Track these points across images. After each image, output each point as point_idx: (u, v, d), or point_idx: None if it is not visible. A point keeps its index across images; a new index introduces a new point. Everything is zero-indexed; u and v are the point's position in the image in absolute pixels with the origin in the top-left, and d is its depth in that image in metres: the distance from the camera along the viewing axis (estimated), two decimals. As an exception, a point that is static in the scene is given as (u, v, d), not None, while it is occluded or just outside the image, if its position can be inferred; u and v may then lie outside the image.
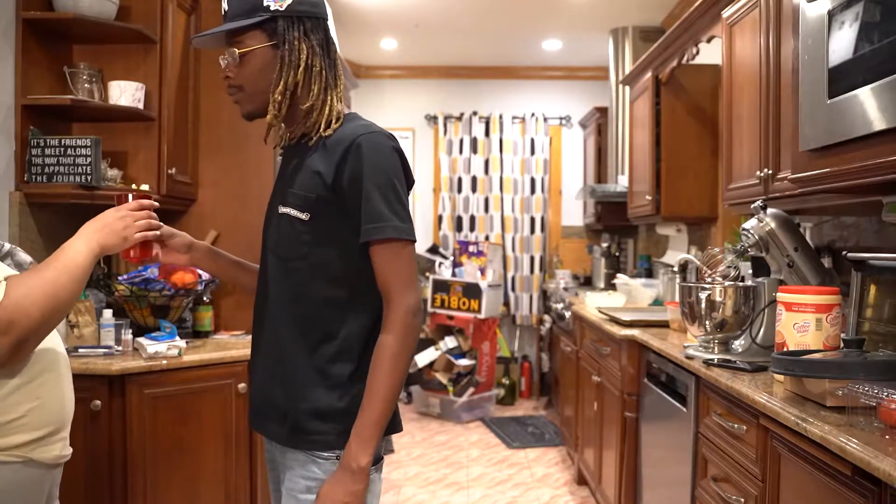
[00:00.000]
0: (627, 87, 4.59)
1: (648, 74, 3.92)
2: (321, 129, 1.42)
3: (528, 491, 3.88)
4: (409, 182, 1.44)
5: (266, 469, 1.58)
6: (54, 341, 1.60)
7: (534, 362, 6.12)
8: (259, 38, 1.40)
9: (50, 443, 1.53)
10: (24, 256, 1.84)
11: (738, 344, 2.30)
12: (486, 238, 6.12)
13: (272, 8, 1.38)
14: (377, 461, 1.41)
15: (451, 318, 5.49)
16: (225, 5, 1.42)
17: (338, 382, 1.39)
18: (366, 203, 1.35)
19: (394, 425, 1.47)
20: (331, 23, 4.37)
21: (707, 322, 2.29)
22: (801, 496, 1.57)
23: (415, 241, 1.40)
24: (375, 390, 1.34)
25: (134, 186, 2.72)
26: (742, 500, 1.87)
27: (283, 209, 1.42)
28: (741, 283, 2.29)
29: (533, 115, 6.14)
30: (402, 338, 1.35)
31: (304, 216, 1.39)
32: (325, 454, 1.39)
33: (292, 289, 1.42)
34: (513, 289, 6.13)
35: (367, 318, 1.42)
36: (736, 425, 1.91)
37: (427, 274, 5.88)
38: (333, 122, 1.43)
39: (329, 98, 1.44)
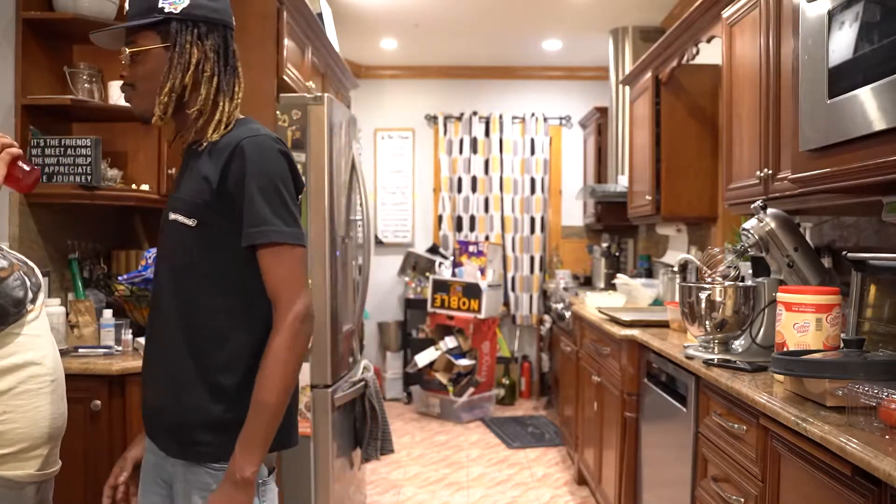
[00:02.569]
0: (627, 87, 4.59)
1: (648, 74, 3.92)
2: (209, 134, 1.41)
3: (528, 491, 3.88)
4: (299, 186, 1.42)
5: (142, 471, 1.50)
6: (40, 354, 1.53)
7: (534, 362, 6.12)
8: (152, 39, 1.40)
9: (19, 460, 1.46)
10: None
11: (738, 344, 2.30)
12: (486, 238, 6.11)
13: (166, 10, 1.39)
14: (270, 472, 1.40)
15: (451, 318, 5.49)
16: (127, 5, 1.43)
17: (226, 393, 1.36)
18: (248, 206, 1.33)
19: (287, 438, 1.43)
20: (329, 22, 4.33)
21: (707, 322, 2.29)
22: (801, 496, 1.57)
23: (304, 245, 1.38)
24: (261, 398, 1.30)
25: (134, 186, 2.72)
26: (742, 500, 1.87)
27: (172, 216, 1.41)
28: (741, 283, 2.29)
29: (533, 115, 6.14)
30: (290, 344, 1.31)
31: (191, 222, 1.37)
32: (217, 466, 1.36)
33: (181, 297, 1.39)
34: (513, 289, 6.13)
35: (258, 327, 1.39)
36: (736, 425, 1.91)
37: (427, 274, 5.88)
38: (223, 127, 1.42)
39: (220, 104, 1.43)
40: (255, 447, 1.30)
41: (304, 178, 1.45)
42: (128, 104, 1.46)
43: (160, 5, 1.39)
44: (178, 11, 1.39)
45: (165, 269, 1.43)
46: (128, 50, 1.40)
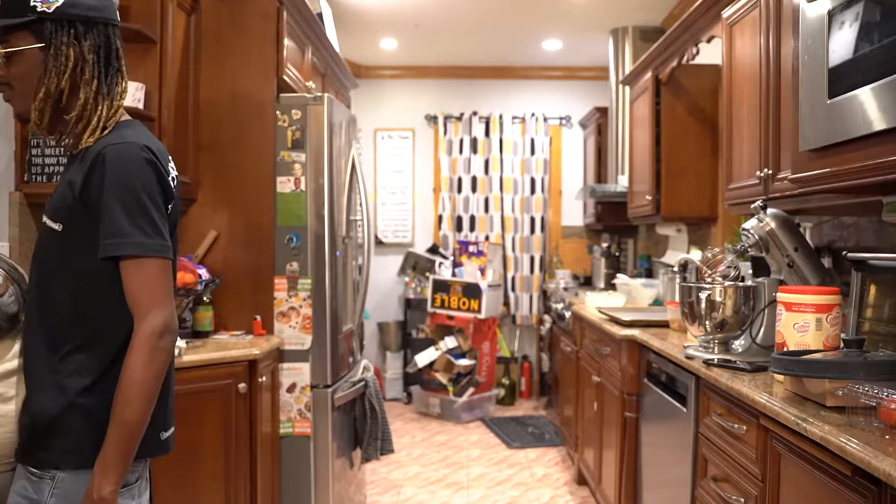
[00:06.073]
0: (627, 87, 4.59)
1: (648, 74, 3.92)
2: (85, 139, 1.35)
3: (528, 491, 3.88)
4: (168, 196, 1.37)
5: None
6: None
7: (534, 362, 6.12)
8: (27, 40, 1.33)
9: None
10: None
11: (738, 344, 2.30)
12: (486, 238, 6.11)
13: (39, 9, 1.31)
14: (127, 485, 1.35)
15: (451, 318, 5.49)
16: None
17: (69, 398, 1.31)
18: (105, 216, 1.28)
19: (155, 445, 1.39)
20: (329, 22, 4.31)
21: (707, 322, 2.29)
22: (801, 496, 1.57)
23: (166, 257, 1.32)
24: (117, 416, 1.26)
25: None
26: (742, 500, 1.87)
27: (43, 218, 1.38)
28: (741, 283, 2.29)
29: (533, 115, 6.14)
30: (146, 362, 1.27)
31: (57, 227, 1.34)
32: (39, 472, 1.30)
33: (42, 301, 1.36)
34: (513, 289, 6.13)
35: (117, 336, 1.34)
36: (736, 425, 1.91)
37: (427, 274, 5.88)
38: (98, 132, 1.36)
39: (99, 107, 1.37)
40: (113, 466, 1.26)
41: (174, 189, 1.41)
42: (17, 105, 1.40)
43: (32, 3, 1.31)
44: (51, 11, 1.31)
45: (33, 272, 1.40)
46: (2, 51, 1.34)
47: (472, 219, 6.15)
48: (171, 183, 1.39)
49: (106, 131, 1.36)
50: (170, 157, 1.45)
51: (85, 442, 1.31)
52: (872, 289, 1.95)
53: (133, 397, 1.26)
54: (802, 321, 1.87)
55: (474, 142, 6.14)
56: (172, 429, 1.48)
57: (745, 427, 1.87)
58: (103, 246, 1.29)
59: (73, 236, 1.33)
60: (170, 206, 1.38)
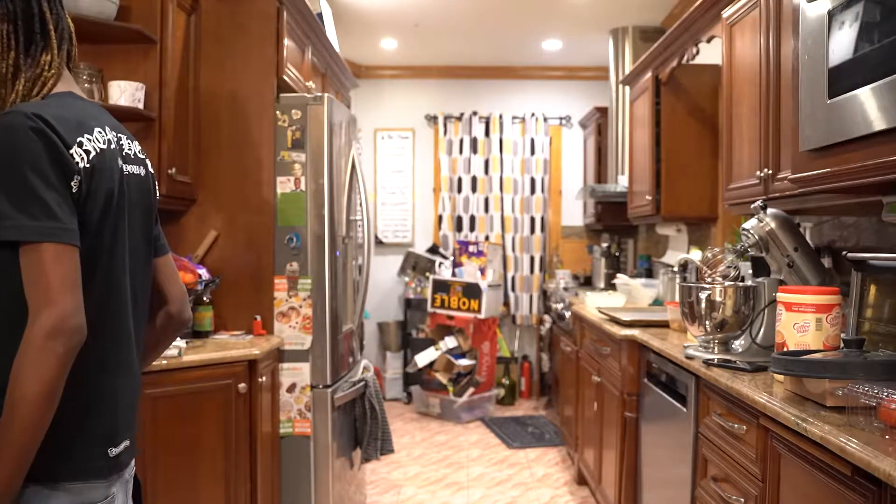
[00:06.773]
0: (627, 87, 4.59)
1: (648, 74, 3.92)
2: None
3: (528, 491, 3.88)
4: (68, 171, 1.15)
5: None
6: None
7: (534, 362, 6.12)
8: None
9: None
10: None
11: (738, 344, 2.30)
12: (486, 238, 6.11)
13: None
14: None
15: (451, 318, 5.49)
16: None
17: None
18: None
19: (98, 467, 1.21)
20: (329, 22, 4.31)
21: (707, 322, 2.29)
22: (801, 496, 1.57)
23: (65, 242, 1.13)
24: (2, 426, 1.09)
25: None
26: (742, 500, 1.87)
27: None
28: (741, 283, 2.29)
29: (533, 115, 6.14)
30: (31, 365, 1.08)
31: None
32: None
33: None
34: (513, 289, 6.13)
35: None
36: (736, 425, 1.91)
37: (427, 274, 5.88)
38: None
39: (17, 82, 1.22)
40: None
41: (77, 161, 1.18)
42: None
43: None
44: None
45: None
46: None
47: (472, 219, 6.15)
48: (78, 157, 1.18)
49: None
50: (98, 129, 1.27)
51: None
52: (872, 289, 1.95)
53: (15, 404, 1.08)
54: (802, 321, 1.87)
55: (474, 142, 6.14)
56: (126, 442, 1.29)
57: (745, 427, 1.87)
58: None
59: None
60: (73, 183, 1.16)
